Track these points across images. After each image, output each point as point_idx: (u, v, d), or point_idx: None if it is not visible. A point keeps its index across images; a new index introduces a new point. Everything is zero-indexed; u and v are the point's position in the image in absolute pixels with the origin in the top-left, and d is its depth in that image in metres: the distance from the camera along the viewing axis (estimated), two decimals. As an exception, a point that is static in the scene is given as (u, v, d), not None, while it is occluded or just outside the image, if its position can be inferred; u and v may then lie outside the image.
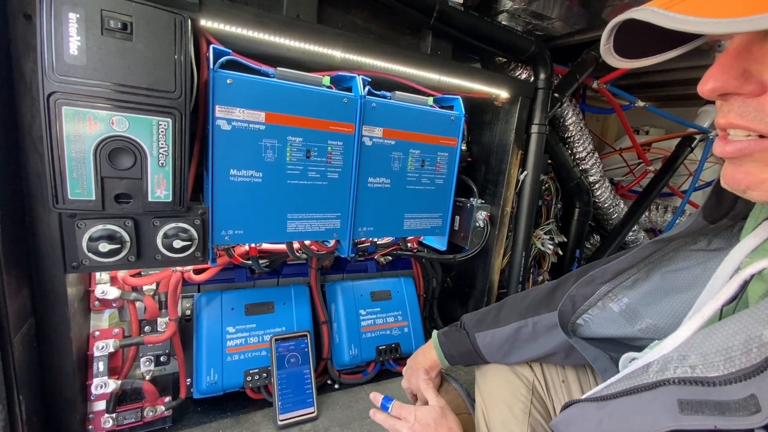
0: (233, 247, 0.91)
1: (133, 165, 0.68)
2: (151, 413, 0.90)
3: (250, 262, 0.96)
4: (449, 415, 0.73)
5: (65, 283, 0.73)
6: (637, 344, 0.63)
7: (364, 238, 1.02)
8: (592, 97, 2.00)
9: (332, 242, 1.00)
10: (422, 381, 0.80)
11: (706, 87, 0.34)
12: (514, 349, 0.74)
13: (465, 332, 0.80)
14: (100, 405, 0.86)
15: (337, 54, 0.87)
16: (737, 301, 0.41)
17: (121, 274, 0.88)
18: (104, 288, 0.87)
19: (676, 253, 0.57)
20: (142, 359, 0.94)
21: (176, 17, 0.66)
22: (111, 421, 0.86)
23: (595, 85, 1.49)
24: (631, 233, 1.78)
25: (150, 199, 0.71)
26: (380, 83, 0.98)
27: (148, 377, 0.93)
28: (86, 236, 0.69)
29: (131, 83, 0.65)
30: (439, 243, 1.21)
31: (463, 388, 0.91)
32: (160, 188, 0.71)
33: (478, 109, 1.29)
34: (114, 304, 0.92)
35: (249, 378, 0.99)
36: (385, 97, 0.96)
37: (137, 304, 0.93)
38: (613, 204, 1.71)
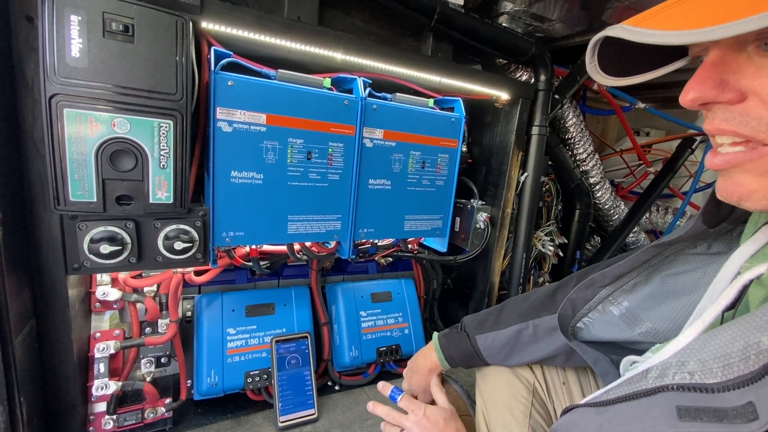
0: (234, 249, 0.91)
1: (134, 167, 0.68)
2: (151, 415, 0.90)
3: (250, 263, 0.96)
4: (458, 419, 0.74)
5: (66, 284, 0.73)
6: (637, 348, 0.63)
7: (364, 240, 1.02)
8: (593, 99, 2.00)
9: (333, 244, 1.00)
10: (435, 384, 0.82)
11: (687, 98, 0.36)
12: (515, 351, 0.74)
13: (465, 334, 0.81)
14: (101, 406, 0.86)
15: (338, 56, 0.88)
16: (738, 306, 0.41)
17: (122, 275, 0.89)
18: (105, 289, 0.87)
19: (675, 257, 0.58)
20: (142, 361, 0.94)
21: (177, 19, 0.66)
22: (112, 422, 0.86)
23: (595, 86, 1.49)
24: (631, 235, 1.78)
25: (151, 201, 0.71)
26: (381, 85, 0.98)
27: (148, 379, 0.93)
28: (87, 238, 0.69)
29: (133, 85, 0.65)
30: (440, 244, 1.21)
31: (464, 390, 0.91)
32: (161, 190, 0.72)
33: (478, 111, 1.29)
34: (115, 306, 0.92)
35: (249, 379, 0.99)
36: (385, 98, 0.96)
37: (138, 305, 0.93)
38: (614, 205, 1.71)
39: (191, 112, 0.72)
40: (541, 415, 0.71)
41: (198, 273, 0.96)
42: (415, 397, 0.92)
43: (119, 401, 0.89)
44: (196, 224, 0.78)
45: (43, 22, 0.59)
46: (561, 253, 1.60)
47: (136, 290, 0.92)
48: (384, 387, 0.81)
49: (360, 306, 1.20)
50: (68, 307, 0.74)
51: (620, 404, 0.41)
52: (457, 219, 1.23)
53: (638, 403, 0.39)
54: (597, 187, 1.62)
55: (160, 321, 0.95)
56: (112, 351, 0.87)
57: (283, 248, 1.00)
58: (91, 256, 0.70)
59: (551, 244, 1.51)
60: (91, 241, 0.70)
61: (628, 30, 0.32)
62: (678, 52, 0.41)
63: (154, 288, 0.94)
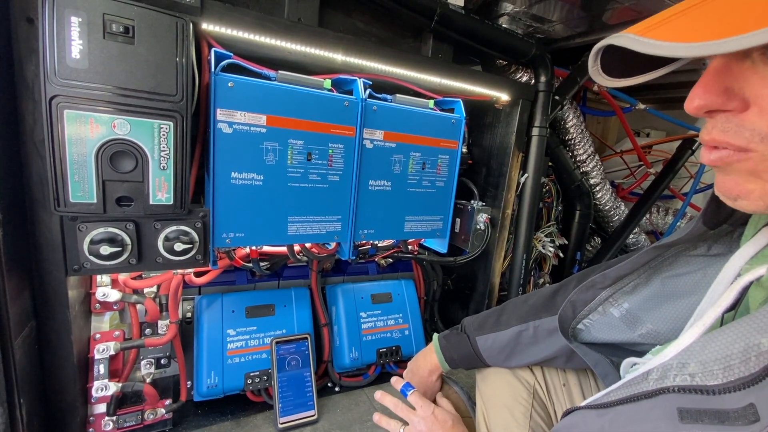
0: (234, 250, 0.91)
1: (134, 168, 0.68)
2: (151, 416, 0.90)
3: (250, 264, 0.96)
4: (464, 427, 0.75)
5: (66, 285, 0.73)
6: (638, 349, 0.63)
7: (364, 241, 1.02)
8: (593, 100, 2.00)
9: (333, 245, 1.00)
10: (441, 397, 0.84)
11: (692, 105, 0.35)
12: (516, 352, 0.74)
13: (466, 335, 0.81)
14: (101, 408, 0.86)
15: (338, 57, 0.88)
16: (738, 307, 0.41)
17: (122, 276, 0.89)
18: (105, 291, 0.87)
19: (676, 259, 0.57)
20: (142, 362, 0.94)
21: (178, 21, 0.66)
22: (111, 423, 0.86)
23: (595, 87, 1.50)
24: (632, 236, 1.78)
25: (151, 202, 0.71)
26: (381, 86, 0.98)
27: (148, 380, 0.93)
28: (87, 239, 0.69)
29: (133, 86, 0.65)
30: (440, 245, 1.21)
31: (464, 391, 0.91)
32: (161, 191, 0.72)
33: (478, 112, 1.30)
34: (115, 307, 0.92)
35: (249, 381, 0.99)
36: (386, 100, 0.96)
37: (138, 306, 0.93)
38: (614, 206, 1.71)
39: (191, 114, 0.72)
40: (542, 417, 0.71)
41: (198, 274, 0.96)
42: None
43: (119, 402, 0.89)
44: (197, 225, 0.78)
45: (43, 23, 0.59)
46: (561, 254, 1.60)
47: (136, 291, 0.92)
48: (396, 382, 0.83)
49: (360, 307, 1.20)
50: (68, 308, 0.74)
51: (621, 406, 0.41)
52: (458, 220, 1.23)
53: (639, 405, 0.39)
54: (597, 188, 1.62)
55: (160, 322, 0.95)
56: (112, 352, 0.87)
57: (284, 249, 1.00)
58: (91, 258, 0.70)
59: (551, 245, 1.50)
60: (91, 242, 0.70)
61: (635, 40, 0.32)
62: None
63: (154, 289, 0.94)
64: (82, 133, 0.64)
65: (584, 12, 1.15)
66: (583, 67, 1.36)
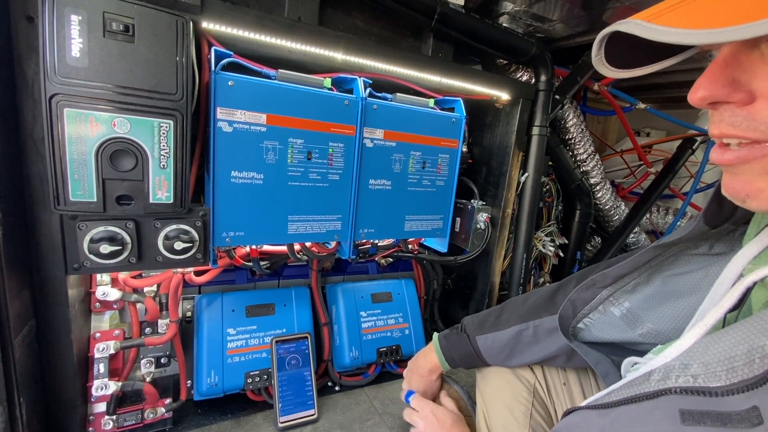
0: (234, 249, 0.91)
1: (134, 167, 0.68)
2: (151, 415, 0.90)
3: (250, 263, 0.96)
4: (465, 426, 0.76)
5: (66, 284, 0.73)
6: (638, 349, 0.63)
7: (364, 240, 1.02)
8: (593, 99, 2.00)
9: (333, 244, 1.00)
10: (444, 396, 0.84)
11: (696, 96, 0.34)
12: (516, 352, 0.74)
13: (466, 335, 0.80)
14: (101, 407, 0.86)
15: (339, 56, 0.87)
16: (740, 307, 0.41)
17: (122, 275, 0.88)
18: (105, 289, 0.87)
19: (677, 258, 0.57)
20: (142, 361, 0.94)
21: (178, 19, 0.66)
22: (111, 422, 0.86)
23: (596, 87, 1.49)
24: (632, 235, 1.78)
25: (151, 201, 0.71)
26: (381, 85, 0.98)
27: (148, 379, 0.93)
28: (87, 238, 0.69)
29: (133, 85, 0.65)
30: (440, 245, 1.21)
31: (464, 391, 0.91)
32: (161, 190, 0.71)
33: (479, 111, 1.29)
34: (115, 306, 0.92)
35: (249, 380, 0.98)
36: (386, 99, 0.96)
37: (138, 305, 0.93)
38: (614, 206, 1.71)
39: (191, 112, 0.72)
40: (542, 416, 0.71)
41: (198, 273, 0.96)
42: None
43: (119, 401, 0.89)
44: (197, 224, 0.78)
45: (43, 21, 0.58)
46: (561, 254, 1.59)
47: (136, 290, 0.92)
48: (402, 391, 0.87)
49: (360, 306, 1.20)
50: (68, 307, 0.74)
51: (622, 407, 0.40)
52: (458, 219, 1.23)
53: (641, 405, 0.38)
54: (597, 187, 1.62)
55: (160, 321, 0.94)
56: (112, 351, 0.86)
57: (284, 248, 1.00)
58: (91, 256, 0.70)
59: (552, 244, 1.50)
60: (91, 241, 0.69)
61: (642, 26, 0.31)
62: (684, 46, 0.40)
63: (154, 288, 0.94)
64: (82, 131, 0.64)
65: (584, 11, 1.15)
66: (584, 66, 1.36)
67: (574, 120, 1.47)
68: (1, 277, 0.61)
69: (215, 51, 0.76)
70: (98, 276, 0.87)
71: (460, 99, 1.07)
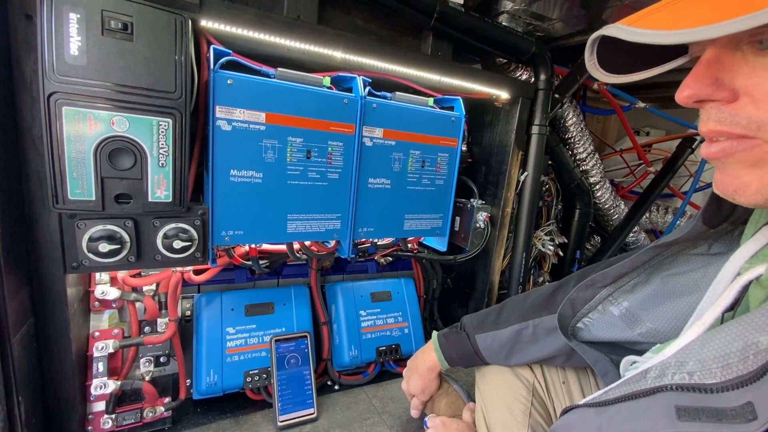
0: (233, 248, 0.91)
1: (133, 165, 0.68)
2: (150, 414, 0.90)
3: (250, 262, 0.96)
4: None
5: (65, 283, 0.73)
6: (637, 348, 0.63)
7: (364, 239, 1.02)
8: (593, 98, 2.00)
9: (332, 243, 1.00)
10: (466, 411, 0.85)
11: (682, 95, 0.37)
12: (515, 351, 0.74)
13: (465, 334, 0.81)
14: (100, 406, 0.86)
15: (338, 55, 0.87)
16: (738, 306, 0.41)
17: (121, 274, 0.88)
18: (104, 288, 0.87)
19: (676, 257, 0.57)
20: (141, 360, 0.94)
21: (177, 18, 0.66)
22: (110, 421, 0.86)
23: (595, 86, 1.49)
24: (631, 234, 1.78)
25: (150, 200, 0.71)
26: (381, 84, 0.98)
27: (147, 378, 0.93)
28: (86, 236, 0.69)
29: (132, 83, 0.65)
30: (440, 244, 1.21)
31: (463, 390, 0.91)
32: (160, 188, 0.71)
33: (478, 110, 1.29)
34: (114, 305, 0.92)
35: (249, 379, 0.98)
36: (385, 97, 0.96)
37: (137, 304, 0.93)
38: (614, 205, 1.71)
39: (190, 111, 0.71)
40: (541, 415, 0.71)
41: (197, 272, 0.96)
42: (413, 397, 0.92)
43: (118, 400, 0.89)
44: (196, 223, 0.78)
45: (41, 20, 0.58)
46: (561, 253, 1.60)
47: (135, 289, 0.92)
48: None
49: (359, 305, 1.20)
50: (67, 306, 0.74)
51: (619, 404, 0.41)
52: (457, 218, 1.23)
53: (637, 403, 0.39)
54: (597, 186, 1.62)
55: (159, 320, 0.94)
56: (111, 350, 0.86)
57: (283, 247, 1.00)
58: (90, 255, 0.70)
59: (551, 243, 1.50)
60: (90, 239, 0.69)
61: (622, 29, 0.33)
62: (678, 50, 0.41)
63: (153, 287, 0.94)
64: (81, 130, 0.63)
65: (584, 10, 1.15)
66: (583, 65, 1.35)
67: (574, 119, 1.47)
68: (-1, 275, 0.61)
69: (214, 49, 0.76)
70: (97, 275, 0.87)
71: (459, 98, 1.07)
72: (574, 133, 1.49)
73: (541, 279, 1.57)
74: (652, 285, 0.59)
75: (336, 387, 1.12)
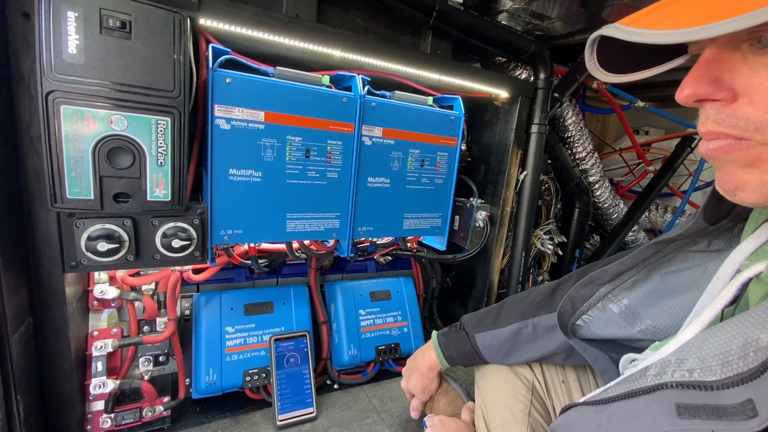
0: (232, 247, 0.91)
1: (131, 164, 0.68)
2: (149, 413, 0.90)
3: (249, 261, 0.96)
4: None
5: (63, 282, 0.72)
6: (637, 345, 0.63)
7: (363, 238, 1.02)
8: (592, 98, 2.00)
9: (332, 242, 1.00)
10: (465, 410, 0.85)
11: (682, 94, 0.36)
12: (514, 349, 0.74)
13: (465, 333, 0.80)
14: (99, 405, 0.86)
15: (337, 53, 0.87)
16: (737, 303, 0.41)
17: (120, 273, 0.88)
18: (103, 288, 0.86)
19: (676, 254, 0.57)
20: (140, 359, 0.93)
21: (175, 16, 0.66)
22: (109, 421, 0.86)
23: (594, 85, 1.49)
24: (630, 233, 1.78)
25: (149, 199, 0.71)
26: (380, 83, 0.98)
27: (146, 377, 0.93)
28: (85, 235, 0.69)
29: (130, 82, 0.64)
30: (439, 243, 1.21)
31: (463, 389, 0.91)
32: (158, 187, 0.71)
33: (477, 109, 1.29)
34: (113, 304, 0.92)
35: (248, 378, 0.98)
36: (384, 96, 0.96)
37: (136, 303, 0.93)
38: (613, 204, 1.71)
39: (189, 110, 0.71)
40: (541, 414, 0.71)
41: (196, 271, 0.95)
42: (413, 396, 0.92)
43: (117, 400, 0.88)
44: (194, 222, 0.78)
45: (39, 18, 0.58)
46: (560, 252, 1.60)
47: (134, 288, 0.92)
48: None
49: (359, 305, 1.20)
50: (65, 305, 0.74)
51: (619, 402, 0.41)
52: (457, 217, 1.23)
53: (637, 401, 0.39)
54: (596, 185, 1.62)
55: (158, 319, 0.94)
56: (110, 349, 0.86)
57: (282, 246, 0.99)
58: (89, 254, 0.70)
59: (550, 242, 1.50)
60: (89, 238, 0.69)
61: (621, 29, 0.33)
62: (678, 50, 0.41)
63: (152, 286, 0.93)
64: (79, 128, 0.63)
65: (583, 9, 1.14)
66: (583, 64, 1.35)
67: (573, 118, 1.47)
68: (-3, 274, 0.61)
69: (213, 48, 0.76)
70: (96, 274, 0.87)
71: (458, 97, 1.06)
72: (574, 132, 1.49)
73: (540, 278, 1.57)
74: (652, 282, 0.59)
75: (335, 386, 1.12)
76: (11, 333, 0.64)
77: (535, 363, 0.76)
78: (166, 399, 0.92)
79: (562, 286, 0.72)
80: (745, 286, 0.40)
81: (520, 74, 1.29)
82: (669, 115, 1.71)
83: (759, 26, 0.26)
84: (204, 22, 0.73)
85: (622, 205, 1.75)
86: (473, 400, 0.84)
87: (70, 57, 0.60)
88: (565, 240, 1.59)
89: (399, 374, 1.07)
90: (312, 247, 0.99)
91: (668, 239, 0.54)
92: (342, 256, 1.00)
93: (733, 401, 0.31)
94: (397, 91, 0.98)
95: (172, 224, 0.75)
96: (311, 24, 0.84)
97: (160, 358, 0.98)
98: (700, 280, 0.55)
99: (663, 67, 0.42)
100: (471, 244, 1.20)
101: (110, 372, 0.88)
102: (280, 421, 0.94)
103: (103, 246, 0.69)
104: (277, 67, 0.82)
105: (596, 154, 1.57)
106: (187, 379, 0.98)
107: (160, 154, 0.70)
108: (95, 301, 0.89)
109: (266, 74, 0.82)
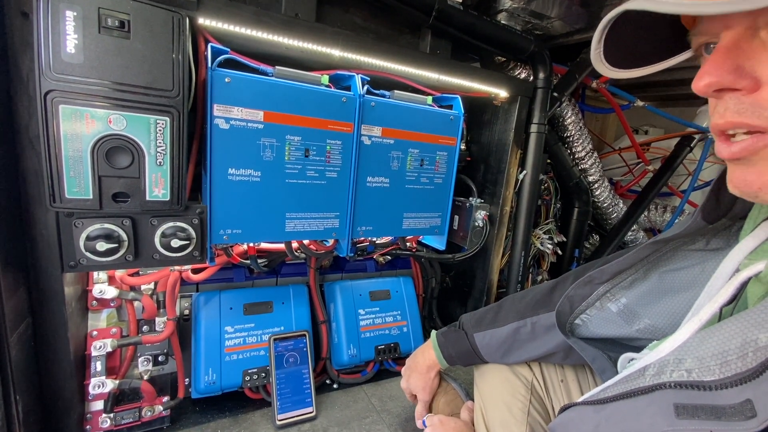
0: (232, 247, 0.91)
1: (130, 164, 0.68)
2: (149, 413, 0.90)
3: (248, 261, 0.96)
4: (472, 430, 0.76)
5: (62, 282, 0.72)
6: (635, 344, 0.63)
7: (363, 238, 1.02)
8: (592, 97, 2.00)
9: (331, 242, 1.00)
10: (464, 410, 0.85)
11: (701, 83, 0.34)
12: (513, 349, 0.74)
13: (464, 332, 0.80)
14: (98, 405, 0.86)
15: (336, 53, 0.87)
16: (736, 302, 0.41)
17: (119, 273, 0.88)
18: (102, 287, 0.86)
19: (674, 253, 0.57)
20: (140, 359, 0.93)
21: (174, 15, 0.66)
22: (109, 421, 0.86)
23: (594, 84, 1.49)
24: (630, 233, 1.78)
25: (148, 198, 0.71)
26: (379, 82, 0.98)
27: (146, 377, 0.92)
28: (83, 235, 0.69)
29: (129, 82, 0.64)
30: (438, 242, 1.21)
31: (462, 388, 0.91)
32: (157, 187, 0.71)
33: (477, 109, 1.29)
34: (112, 304, 0.92)
35: (247, 378, 0.98)
36: (384, 96, 0.95)
37: (135, 303, 0.93)
38: (613, 203, 1.71)
39: (188, 109, 0.71)
40: (539, 413, 0.71)
41: (195, 271, 0.95)
42: (414, 396, 0.92)
43: (116, 399, 0.88)
44: (194, 222, 0.77)
45: (38, 17, 0.58)
46: (560, 252, 1.60)
47: (133, 288, 0.92)
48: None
49: (358, 304, 1.20)
50: (64, 305, 0.74)
51: (618, 402, 0.41)
52: (456, 217, 1.23)
53: (636, 400, 0.38)
54: (596, 185, 1.62)
55: (157, 319, 0.94)
56: (109, 349, 0.86)
57: (281, 246, 0.99)
58: (88, 254, 0.70)
59: (550, 242, 1.51)
60: (87, 238, 0.69)
61: (653, 1, 0.31)
62: (680, 45, 0.40)
63: (152, 286, 0.93)
64: (78, 128, 0.63)
65: (583, 8, 1.14)
66: (582, 63, 1.36)
67: (573, 118, 1.47)
68: (-4, 274, 0.61)
69: (212, 47, 0.76)
70: (95, 274, 0.87)
71: (458, 96, 1.06)
72: (573, 131, 1.49)
73: (539, 277, 1.57)
74: (650, 281, 0.59)
75: (335, 386, 1.12)
76: (10, 333, 0.64)
77: (534, 362, 0.76)
78: (166, 399, 0.92)
79: (561, 286, 0.72)
80: (744, 285, 0.40)
81: (519, 74, 1.29)
82: (668, 115, 1.71)
83: None
84: (203, 21, 0.73)
85: (621, 205, 1.75)
86: (472, 400, 0.84)
87: (69, 56, 0.60)
88: (564, 239, 1.59)
89: (398, 374, 1.07)
90: (311, 246, 0.99)
91: (666, 238, 0.54)
92: (341, 255, 1.00)
93: (732, 401, 0.31)
94: (396, 91, 0.98)
95: (171, 224, 0.75)
96: (310, 23, 0.84)
97: (160, 358, 0.98)
98: (699, 278, 0.55)
99: (665, 63, 0.41)
100: (470, 243, 1.20)
101: (109, 372, 0.88)
102: (280, 420, 0.94)
103: (102, 246, 0.69)
104: (276, 67, 0.82)
105: (595, 154, 1.57)
106: (187, 379, 0.98)
107: (159, 154, 0.69)
108: (94, 301, 0.89)
109: (265, 74, 0.82)
